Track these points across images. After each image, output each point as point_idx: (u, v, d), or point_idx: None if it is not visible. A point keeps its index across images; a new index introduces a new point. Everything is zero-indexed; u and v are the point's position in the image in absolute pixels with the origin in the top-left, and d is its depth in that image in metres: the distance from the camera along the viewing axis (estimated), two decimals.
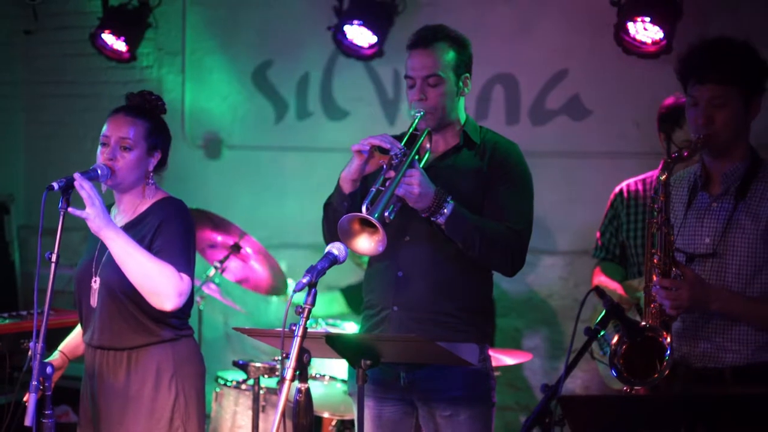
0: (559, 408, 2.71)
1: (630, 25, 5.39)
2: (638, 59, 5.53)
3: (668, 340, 3.18)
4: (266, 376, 4.90)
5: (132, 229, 3.63)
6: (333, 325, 5.45)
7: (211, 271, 5.49)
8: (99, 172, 3.57)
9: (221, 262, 5.48)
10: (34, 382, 3.24)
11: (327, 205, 3.67)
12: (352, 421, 5.22)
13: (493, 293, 3.83)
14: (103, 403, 3.67)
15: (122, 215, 3.73)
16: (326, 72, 6.54)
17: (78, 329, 3.87)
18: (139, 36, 6.68)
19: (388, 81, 6.38)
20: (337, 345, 3.28)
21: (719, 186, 3.40)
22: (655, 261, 3.31)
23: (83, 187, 3.44)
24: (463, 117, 3.75)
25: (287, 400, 2.89)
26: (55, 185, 3.41)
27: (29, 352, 3.35)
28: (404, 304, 3.63)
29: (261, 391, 4.90)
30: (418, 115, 3.60)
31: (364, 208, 3.29)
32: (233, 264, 5.55)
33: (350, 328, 5.40)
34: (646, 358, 3.20)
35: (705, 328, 3.34)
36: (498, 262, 3.62)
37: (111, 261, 3.57)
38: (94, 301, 3.66)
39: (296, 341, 2.94)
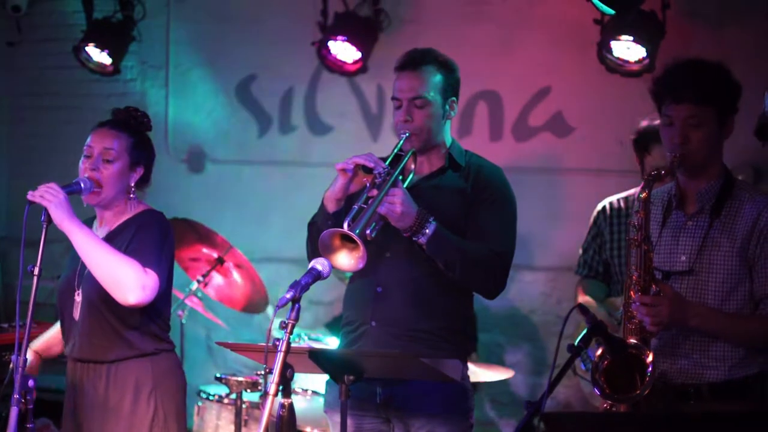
0: (542, 424, 2.72)
1: (613, 43, 5.42)
2: (621, 77, 5.57)
3: (650, 358, 3.19)
4: (248, 390, 4.89)
5: (112, 240, 3.62)
6: (316, 340, 5.45)
7: (194, 285, 5.48)
8: (82, 185, 3.56)
9: (204, 276, 5.46)
10: (16, 396, 3.22)
11: (311, 224, 3.66)
12: None
13: (475, 309, 3.82)
14: (84, 417, 3.65)
15: (103, 228, 3.72)
16: (310, 87, 6.55)
17: (55, 328, 3.85)
18: (123, 49, 6.67)
19: (371, 96, 6.40)
20: (320, 360, 3.28)
21: (694, 204, 3.42)
22: (634, 278, 3.32)
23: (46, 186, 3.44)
24: (449, 140, 3.76)
25: (270, 414, 2.89)
26: None
27: (11, 365, 3.33)
28: (382, 319, 3.62)
29: (243, 406, 4.89)
30: (404, 135, 3.61)
31: (345, 224, 3.29)
32: (216, 280, 5.54)
33: (333, 343, 5.40)
34: (628, 374, 3.20)
35: (683, 345, 3.35)
36: (478, 284, 3.62)
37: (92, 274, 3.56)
38: (77, 314, 3.65)
39: (280, 356, 2.93)
